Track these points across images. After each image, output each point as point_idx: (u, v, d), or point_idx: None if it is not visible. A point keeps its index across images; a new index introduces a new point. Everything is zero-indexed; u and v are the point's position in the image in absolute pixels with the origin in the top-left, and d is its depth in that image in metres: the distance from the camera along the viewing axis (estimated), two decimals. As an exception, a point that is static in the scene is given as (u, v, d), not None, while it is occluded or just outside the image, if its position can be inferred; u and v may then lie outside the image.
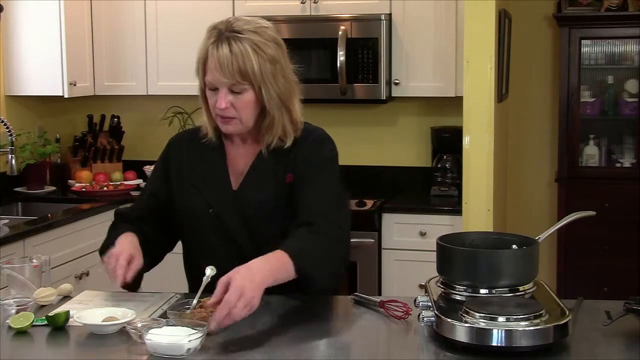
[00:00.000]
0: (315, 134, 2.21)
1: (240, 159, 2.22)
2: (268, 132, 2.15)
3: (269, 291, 1.90)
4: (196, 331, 1.73)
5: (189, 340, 1.70)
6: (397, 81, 4.26)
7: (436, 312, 1.78)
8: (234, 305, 1.77)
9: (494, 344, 1.68)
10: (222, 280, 1.82)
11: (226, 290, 1.80)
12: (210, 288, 1.97)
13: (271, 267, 1.91)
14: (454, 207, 4.06)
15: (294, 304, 2.09)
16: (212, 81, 2.08)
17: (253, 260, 1.90)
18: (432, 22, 4.20)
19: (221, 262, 2.03)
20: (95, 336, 1.88)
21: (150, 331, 1.74)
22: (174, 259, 4.26)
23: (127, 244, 2.12)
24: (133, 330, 1.83)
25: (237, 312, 1.78)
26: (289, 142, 2.15)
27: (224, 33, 2.06)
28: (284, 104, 2.12)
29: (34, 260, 2.14)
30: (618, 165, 4.75)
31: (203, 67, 2.10)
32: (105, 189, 4.41)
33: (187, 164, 2.24)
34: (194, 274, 2.23)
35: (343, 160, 2.28)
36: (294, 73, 2.17)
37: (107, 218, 4.16)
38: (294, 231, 2.05)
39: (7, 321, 1.94)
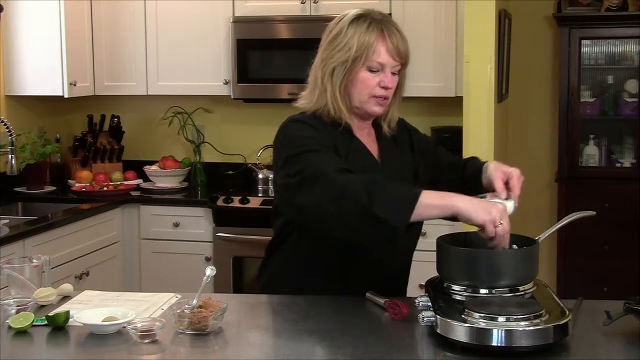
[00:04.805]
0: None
1: (363, 140, 2.25)
2: (389, 114, 2.30)
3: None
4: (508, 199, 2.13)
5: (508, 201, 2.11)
6: (397, 81, 4.25)
7: (436, 312, 1.78)
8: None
9: (494, 344, 1.68)
10: (498, 175, 2.20)
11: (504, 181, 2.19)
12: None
13: None
14: (454, 207, 4.04)
15: (294, 304, 2.09)
16: (385, 63, 2.14)
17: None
18: (432, 22, 4.19)
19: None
20: (95, 336, 1.88)
21: None
22: (174, 259, 4.26)
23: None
24: (133, 330, 1.83)
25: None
26: (386, 126, 2.30)
27: (385, 20, 2.17)
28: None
29: (34, 260, 2.14)
30: (618, 165, 4.75)
31: (366, 51, 2.13)
32: (105, 189, 4.41)
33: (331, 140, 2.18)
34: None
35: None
36: None
37: (107, 218, 4.17)
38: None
39: (7, 321, 1.94)
